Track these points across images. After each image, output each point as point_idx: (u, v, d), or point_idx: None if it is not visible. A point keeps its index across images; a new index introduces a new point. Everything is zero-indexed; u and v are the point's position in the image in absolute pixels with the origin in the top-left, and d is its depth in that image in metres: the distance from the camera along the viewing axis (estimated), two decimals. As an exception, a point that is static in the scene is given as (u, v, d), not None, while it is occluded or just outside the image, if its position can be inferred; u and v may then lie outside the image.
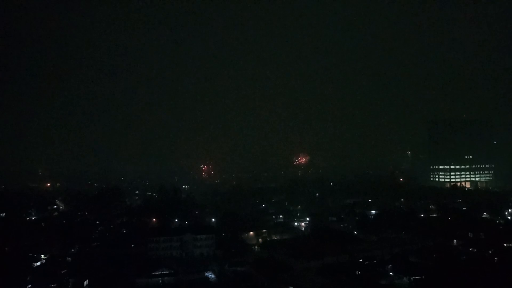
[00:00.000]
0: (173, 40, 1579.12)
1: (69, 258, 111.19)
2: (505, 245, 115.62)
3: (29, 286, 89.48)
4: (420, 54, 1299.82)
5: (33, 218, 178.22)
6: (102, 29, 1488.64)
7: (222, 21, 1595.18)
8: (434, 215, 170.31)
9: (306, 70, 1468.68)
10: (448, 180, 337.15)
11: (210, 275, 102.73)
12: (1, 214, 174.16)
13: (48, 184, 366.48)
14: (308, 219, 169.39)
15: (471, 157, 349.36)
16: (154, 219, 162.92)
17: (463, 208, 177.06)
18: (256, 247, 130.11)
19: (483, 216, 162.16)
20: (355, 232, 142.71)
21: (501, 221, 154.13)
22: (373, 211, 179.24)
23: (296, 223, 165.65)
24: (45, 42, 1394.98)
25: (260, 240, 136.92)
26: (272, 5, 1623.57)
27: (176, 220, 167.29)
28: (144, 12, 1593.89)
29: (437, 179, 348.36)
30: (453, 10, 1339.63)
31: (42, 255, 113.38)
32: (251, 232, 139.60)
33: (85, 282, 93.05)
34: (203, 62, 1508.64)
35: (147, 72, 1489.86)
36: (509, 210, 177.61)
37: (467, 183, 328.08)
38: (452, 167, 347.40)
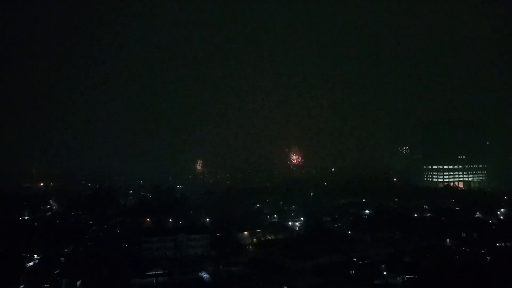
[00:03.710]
0: (170, 39, 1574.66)
1: (63, 258, 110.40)
2: (497, 244, 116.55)
3: (22, 286, 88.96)
4: (415, 55, 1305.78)
5: (26, 218, 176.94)
6: (98, 26, 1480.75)
7: (217, 18, 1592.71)
8: (428, 215, 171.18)
9: (302, 69, 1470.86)
10: (442, 180, 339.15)
11: (205, 275, 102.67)
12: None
13: (42, 184, 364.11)
14: (302, 219, 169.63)
15: (464, 157, 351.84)
16: (148, 219, 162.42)
17: (456, 208, 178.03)
18: (251, 247, 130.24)
19: (476, 216, 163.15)
20: (349, 232, 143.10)
21: (494, 221, 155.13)
22: (367, 211, 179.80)
23: (290, 223, 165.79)
24: (39, 40, 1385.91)
25: (254, 240, 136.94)
26: (269, 3, 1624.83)
27: (170, 220, 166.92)
28: (142, 9, 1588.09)
29: (430, 179, 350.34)
30: (450, 10, 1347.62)
31: (35, 255, 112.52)
32: (246, 232, 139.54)
33: (79, 282, 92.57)
34: (198, 61, 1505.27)
35: (141, 72, 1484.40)
36: (502, 210, 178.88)
37: (460, 183, 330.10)
38: (445, 167, 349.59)
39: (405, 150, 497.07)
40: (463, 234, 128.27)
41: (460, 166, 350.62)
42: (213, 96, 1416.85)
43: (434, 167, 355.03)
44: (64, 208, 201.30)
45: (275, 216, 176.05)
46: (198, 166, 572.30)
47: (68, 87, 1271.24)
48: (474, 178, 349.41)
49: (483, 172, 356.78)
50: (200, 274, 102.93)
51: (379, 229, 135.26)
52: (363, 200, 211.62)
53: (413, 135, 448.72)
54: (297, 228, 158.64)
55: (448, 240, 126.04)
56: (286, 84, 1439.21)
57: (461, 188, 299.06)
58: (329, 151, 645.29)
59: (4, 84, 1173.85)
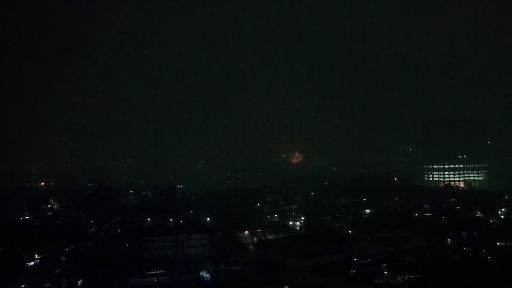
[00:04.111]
0: (170, 39, 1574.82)
1: (63, 258, 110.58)
2: (498, 244, 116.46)
3: (23, 286, 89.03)
4: (416, 54, 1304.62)
5: (27, 217, 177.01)
6: (100, 26, 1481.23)
7: (218, 18, 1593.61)
8: (428, 214, 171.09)
9: (302, 69, 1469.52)
10: (442, 179, 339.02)
11: (205, 274, 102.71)
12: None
13: (42, 184, 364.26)
14: (303, 218, 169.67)
15: (465, 156, 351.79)
16: (148, 219, 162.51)
17: (457, 208, 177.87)
18: (251, 246, 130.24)
19: (477, 215, 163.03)
20: (350, 232, 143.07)
21: (495, 220, 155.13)
22: (367, 211, 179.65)
23: (291, 223, 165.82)
24: (40, 40, 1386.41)
25: (255, 239, 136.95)
26: (271, 3, 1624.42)
27: (171, 219, 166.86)
28: (142, 10, 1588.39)
29: (431, 179, 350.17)
30: (451, 9, 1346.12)
31: (36, 255, 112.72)
32: (246, 232, 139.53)
33: (79, 282, 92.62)
34: (198, 60, 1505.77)
35: (141, 72, 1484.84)
36: (502, 209, 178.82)
37: (461, 182, 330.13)
38: (446, 166, 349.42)
39: (406, 149, 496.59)
40: (464, 234, 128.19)
41: (461, 166, 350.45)
42: (214, 95, 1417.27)
43: (434, 166, 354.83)
44: (64, 207, 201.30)
45: (275, 215, 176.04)
46: (199, 165, 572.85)
47: (69, 87, 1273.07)
48: (475, 178, 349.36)
49: (483, 171, 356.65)
50: (200, 273, 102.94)
51: (380, 229, 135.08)
52: (364, 199, 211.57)
53: (414, 134, 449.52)
54: (298, 228, 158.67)
55: (448, 239, 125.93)
56: (287, 83, 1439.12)
57: (462, 187, 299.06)
58: (330, 151, 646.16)
59: (4, 84, 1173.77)
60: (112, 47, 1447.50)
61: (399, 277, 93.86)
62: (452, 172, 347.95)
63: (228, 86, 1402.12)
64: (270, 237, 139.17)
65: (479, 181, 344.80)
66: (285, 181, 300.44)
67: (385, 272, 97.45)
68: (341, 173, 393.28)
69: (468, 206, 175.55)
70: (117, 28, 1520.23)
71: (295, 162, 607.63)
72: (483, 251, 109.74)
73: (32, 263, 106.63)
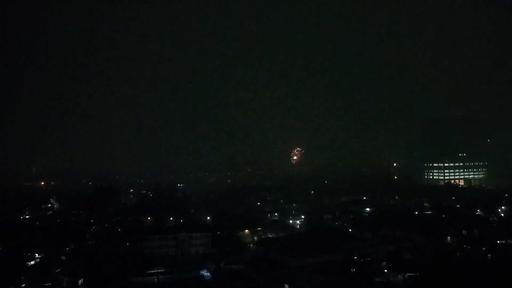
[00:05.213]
0: (171, 39, 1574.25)
1: (64, 257, 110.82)
2: (498, 242, 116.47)
3: (23, 285, 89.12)
4: (416, 53, 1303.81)
5: (27, 217, 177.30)
6: (100, 28, 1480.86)
7: (218, 19, 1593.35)
8: (429, 212, 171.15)
9: (302, 68, 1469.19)
10: (442, 177, 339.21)
11: (206, 273, 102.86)
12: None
13: (43, 183, 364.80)
14: (303, 217, 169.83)
15: (465, 155, 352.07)
16: (149, 218, 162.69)
17: (457, 206, 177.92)
18: (252, 245, 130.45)
19: (477, 213, 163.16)
20: (350, 230, 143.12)
21: (495, 219, 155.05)
22: (368, 209, 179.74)
23: (291, 221, 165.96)
24: (42, 40, 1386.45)
25: (255, 238, 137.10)
26: (271, 3, 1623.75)
27: (171, 218, 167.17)
28: (142, 11, 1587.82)
29: (431, 177, 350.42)
30: (451, 9, 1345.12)
31: (37, 254, 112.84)
32: (247, 230, 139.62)
33: (80, 281, 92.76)
34: (199, 61, 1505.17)
35: (142, 72, 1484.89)
36: (503, 207, 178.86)
37: (461, 180, 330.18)
38: (446, 164, 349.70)
39: (406, 147, 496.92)
40: (464, 232, 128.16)
41: (461, 164, 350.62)
42: (214, 95, 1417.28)
43: (434, 164, 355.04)
44: (65, 207, 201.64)
45: (275, 214, 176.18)
46: (199, 164, 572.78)
47: (70, 87, 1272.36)
48: (475, 176, 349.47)
49: (484, 169, 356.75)
50: (201, 272, 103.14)
51: (380, 227, 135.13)
52: (364, 198, 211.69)
53: (414, 133, 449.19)
54: (298, 226, 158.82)
55: (448, 237, 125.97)
56: (287, 83, 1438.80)
57: (462, 185, 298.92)
58: (330, 149, 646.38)
59: (5, 84, 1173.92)
60: (113, 48, 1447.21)
61: (399, 275, 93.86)
62: (452, 170, 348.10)
63: (229, 86, 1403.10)
64: (270, 236, 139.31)
65: (479, 179, 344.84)
66: (285, 180, 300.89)
67: (386, 271, 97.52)
68: (341, 171, 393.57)
69: (468, 204, 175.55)
70: (118, 28, 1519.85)
71: (295, 161, 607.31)
72: (483, 249, 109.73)
73: (32, 262, 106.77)
